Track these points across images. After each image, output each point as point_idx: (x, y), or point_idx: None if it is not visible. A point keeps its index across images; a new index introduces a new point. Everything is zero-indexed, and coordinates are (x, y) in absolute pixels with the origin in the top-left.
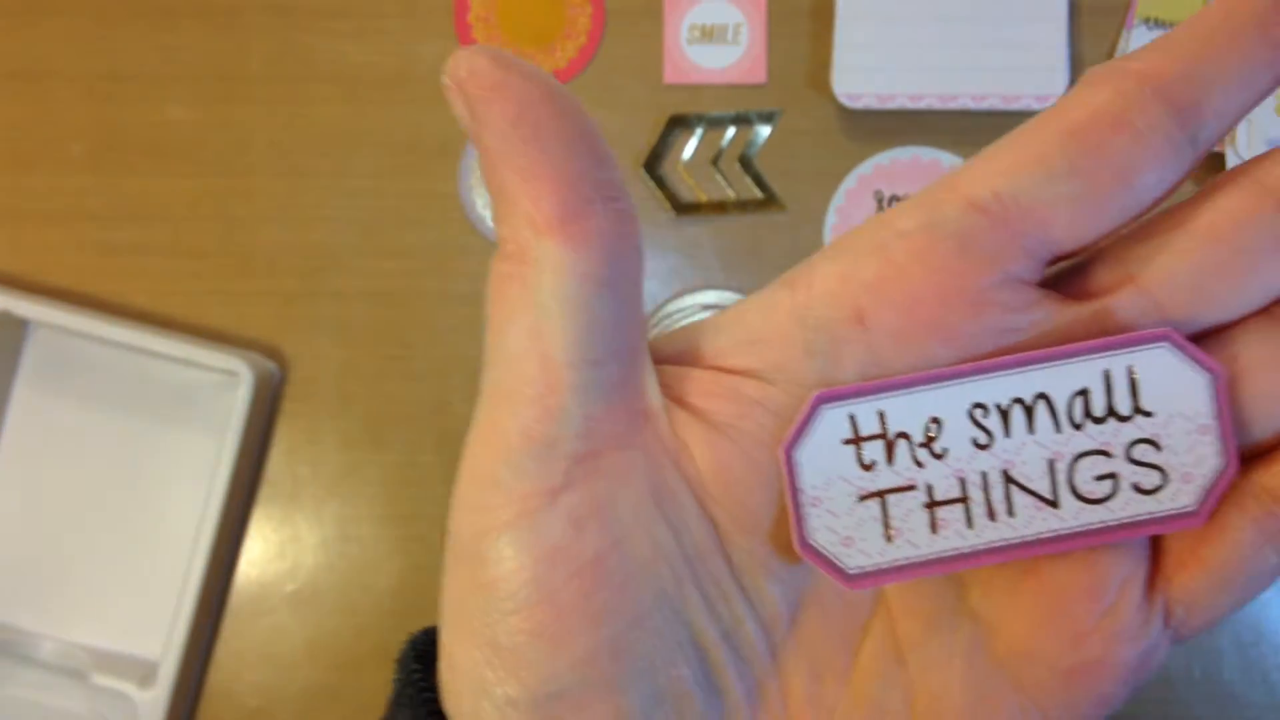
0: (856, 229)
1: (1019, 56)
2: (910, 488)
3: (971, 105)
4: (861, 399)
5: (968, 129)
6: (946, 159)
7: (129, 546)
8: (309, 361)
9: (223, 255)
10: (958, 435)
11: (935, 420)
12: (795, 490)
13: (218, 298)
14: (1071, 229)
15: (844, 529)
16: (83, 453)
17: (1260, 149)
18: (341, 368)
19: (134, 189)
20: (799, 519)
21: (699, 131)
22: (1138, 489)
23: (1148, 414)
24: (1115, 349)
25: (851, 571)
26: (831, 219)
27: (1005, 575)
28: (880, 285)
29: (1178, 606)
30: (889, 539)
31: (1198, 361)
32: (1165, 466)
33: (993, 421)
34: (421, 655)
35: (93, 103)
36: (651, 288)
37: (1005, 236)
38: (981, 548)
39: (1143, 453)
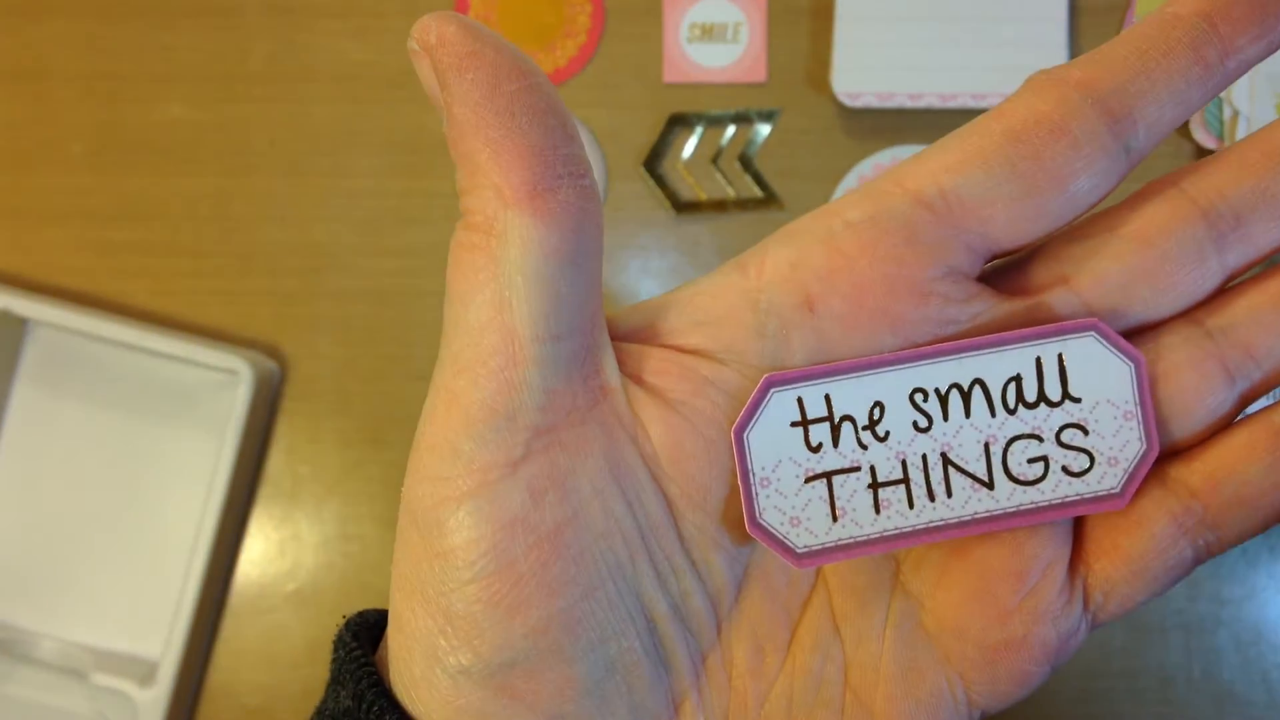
0: (806, 217)
1: (1019, 56)
2: (855, 469)
3: (971, 104)
4: (809, 383)
5: None
6: None
7: (129, 546)
8: (309, 361)
9: (223, 255)
10: (899, 419)
11: (879, 404)
12: (746, 471)
13: (218, 297)
14: (1010, 228)
15: (792, 509)
16: (83, 452)
17: None
18: (341, 367)
19: (134, 189)
20: (749, 499)
21: (699, 130)
22: (1067, 471)
23: (1076, 400)
24: (1046, 338)
25: (800, 551)
26: None
27: (936, 554)
28: (829, 273)
29: (1096, 593)
30: (835, 519)
31: (1122, 350)
32: (1093, 450)
33: (932, 406)
34: (357, 634)
35: (93, 103)
36: (651, 287)
37: (948, 231)
38: (921, 527)
39: (1071, 437)
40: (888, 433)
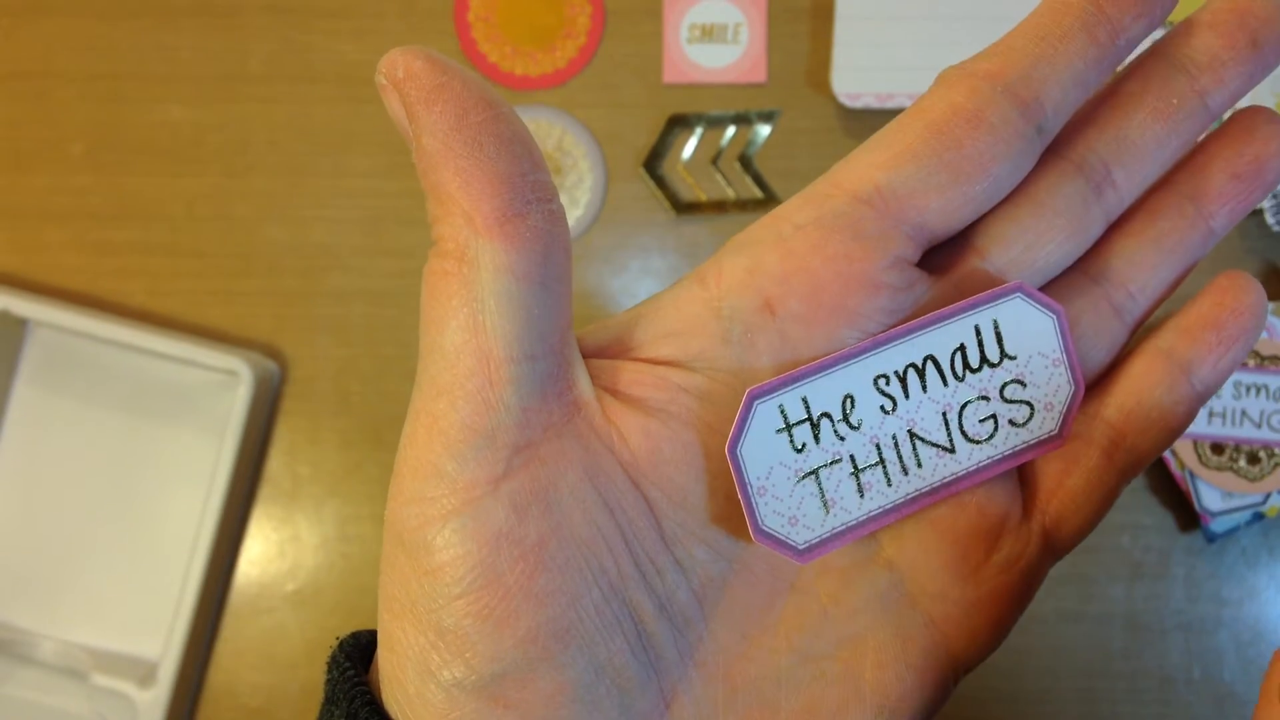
0: (754, 225)
1: None
2: (837, 460)
3: None
4: (786, 389)
5: None
6: None
7: (129, 546)
8: (309, 361)
9: (223, 255)
10: (868, 406)
11: (849, 397)
12: (744, 485)
13: (218, 298)
14: (943, 215)
15: (788, 510)
16: (83, 452)
17: None
18: (341, 367)
19: (134, 189)
20: (750, 510)
21: (699, 131)
22: (1012, 424)
23: (1013, 357)
24: (980, 306)
25: (801, 547)
26: None
27: (911, 526)
28: (785, 275)
29: (1051, 531)
30: (827, 510)
31: (1044, 305)
32: (1032, 400)
33: (894, 388)
34: (350, 655)
35: (93, 103)
36: (651, 287)
37: (889, 224)
38: (900, 501)
39: (1013, 391)
40: (860, 421)
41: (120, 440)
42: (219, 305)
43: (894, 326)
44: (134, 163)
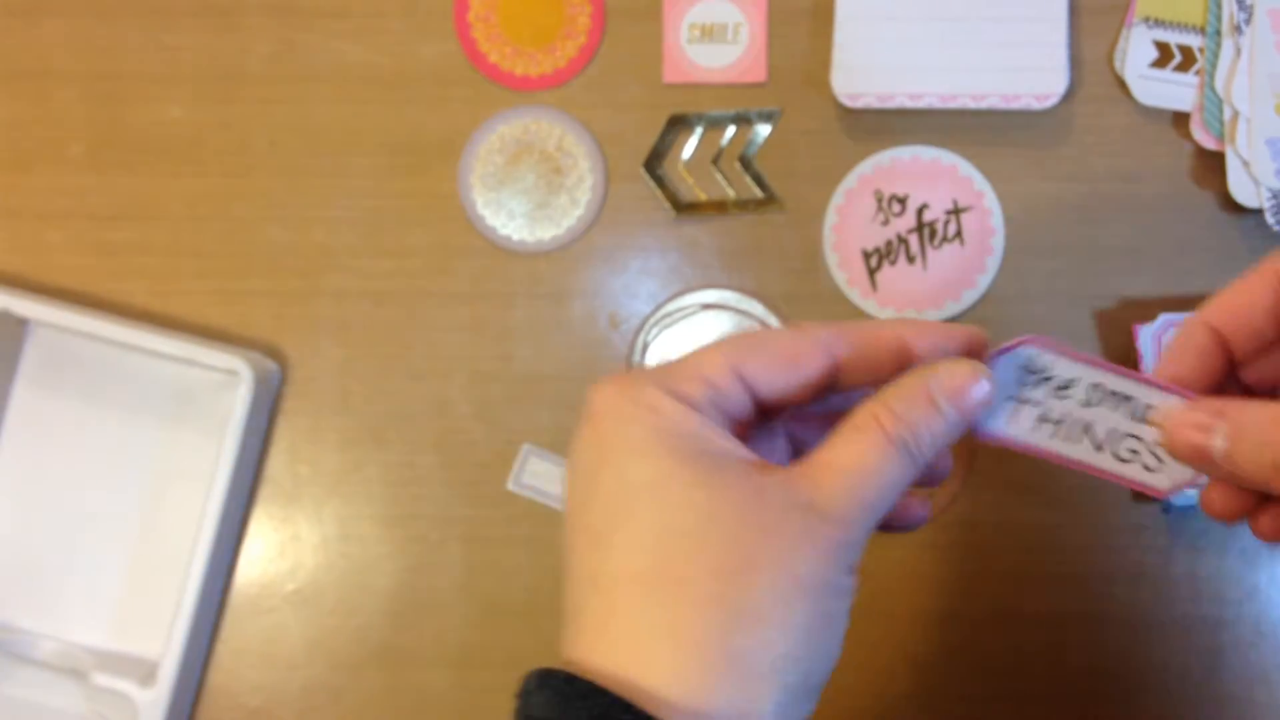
0: None
1: (1019, 56)
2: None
3: (971, 105)
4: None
5: (968, 128)
6: (946, 158)
7: (129, 546)
8: (309, 361)
9: (223, 255)
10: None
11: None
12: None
13: (218, 297)
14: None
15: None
16: (82, 452)
17: (1260, 149)
18: (341, 367)
19: (134, 189)
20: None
21: (699, 131)
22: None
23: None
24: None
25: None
26: (831, 219)
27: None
28: None
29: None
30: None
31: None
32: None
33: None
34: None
35: (93, 103)
36: (651, 287)
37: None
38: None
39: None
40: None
41: (120, 440)
42: (219, 305)
43: None
44: (134, 163)
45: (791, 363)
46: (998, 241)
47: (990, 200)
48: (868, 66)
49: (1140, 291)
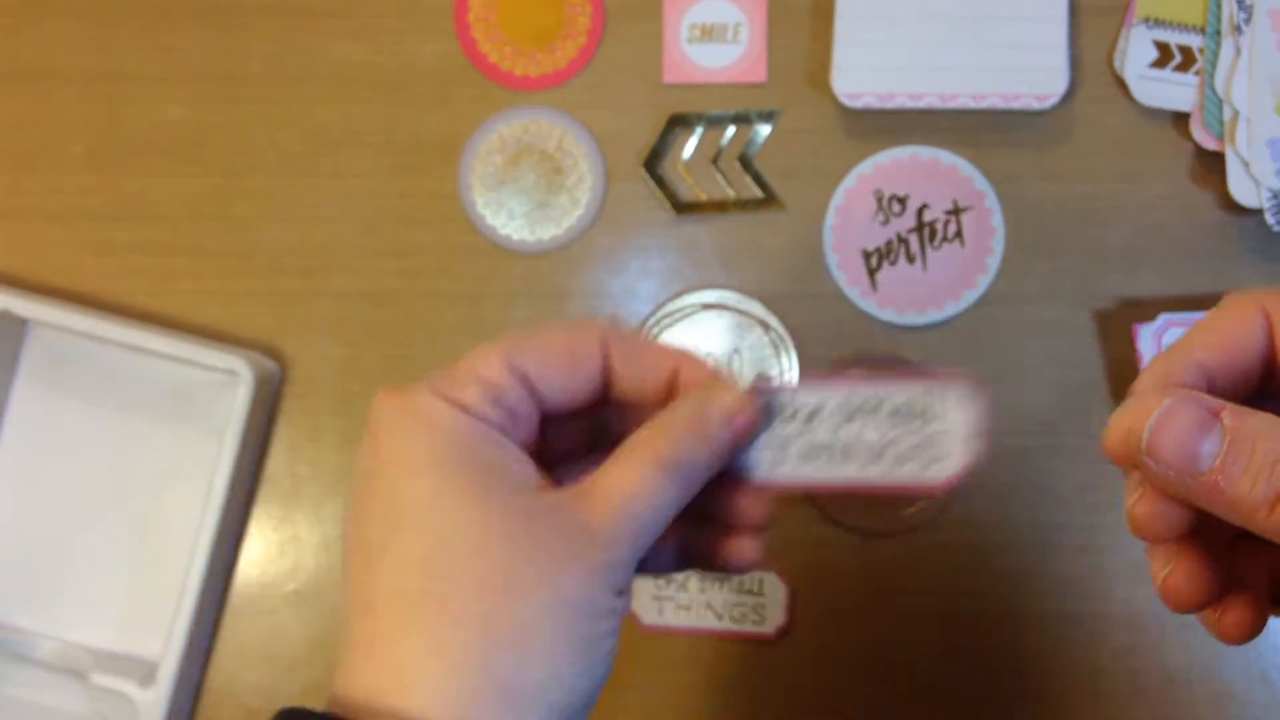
0: None
1: (1019, 56)
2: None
3: (971, 104)
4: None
5: (968, 128)
6: (946, 157)
7: (129, 546)
8: (309, 361)
9: (223, 255)
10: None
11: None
12: None
13: (218, 297)
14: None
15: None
16: (82, 452)
17: (1261, 149)
18: (341, 367)
19: (134, 189)
20: None
21: (699, 131)
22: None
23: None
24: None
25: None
26: (831, 218)
27: None
28: None
29: None
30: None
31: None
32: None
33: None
34: None
35: (93, 103)
36: (651, 287)
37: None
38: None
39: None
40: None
41: (120, 440)
42: (219, 305)
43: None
44: (134, 163)
45: (570, 358)
46: (998, 241)
47: (990, 200)
48: (868, 66)
49: (1140, 292)
